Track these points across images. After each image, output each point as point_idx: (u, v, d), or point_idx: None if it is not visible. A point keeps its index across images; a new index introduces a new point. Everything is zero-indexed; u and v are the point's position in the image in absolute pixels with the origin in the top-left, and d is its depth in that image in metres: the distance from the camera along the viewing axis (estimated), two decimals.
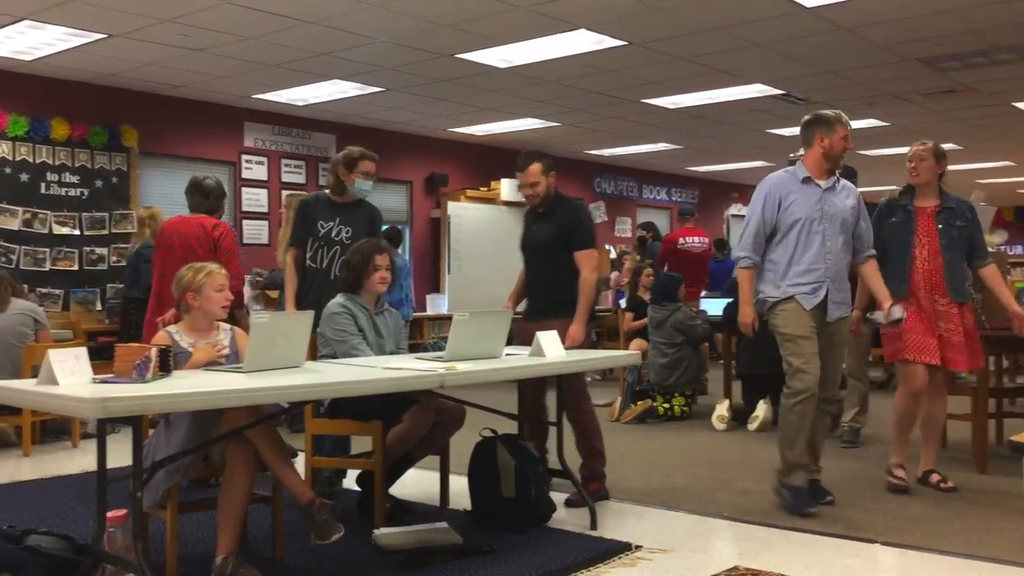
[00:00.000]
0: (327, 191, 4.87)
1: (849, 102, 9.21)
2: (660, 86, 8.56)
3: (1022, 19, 6.37)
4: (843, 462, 5.35)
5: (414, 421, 3.89)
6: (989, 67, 7.73)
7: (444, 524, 3.73)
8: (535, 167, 4.64)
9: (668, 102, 9.31)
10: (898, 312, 4.28)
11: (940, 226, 4.54)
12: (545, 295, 4.59)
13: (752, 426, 6.47)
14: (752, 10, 6.21)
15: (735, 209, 16.92)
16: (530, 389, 4.42)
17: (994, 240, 12.65)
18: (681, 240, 8.95)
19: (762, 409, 6.49)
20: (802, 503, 4.16)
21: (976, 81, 8.32)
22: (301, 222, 4.81)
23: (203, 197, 5.27)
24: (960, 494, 4.52)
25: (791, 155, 9.56)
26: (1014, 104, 9.27)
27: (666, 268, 8.73)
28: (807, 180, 4.29)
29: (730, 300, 7.38)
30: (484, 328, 3.89)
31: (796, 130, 11.25)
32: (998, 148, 12.37)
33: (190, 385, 2.91)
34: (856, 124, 10.25)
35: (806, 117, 4.43)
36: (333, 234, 4.69)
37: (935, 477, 4.66)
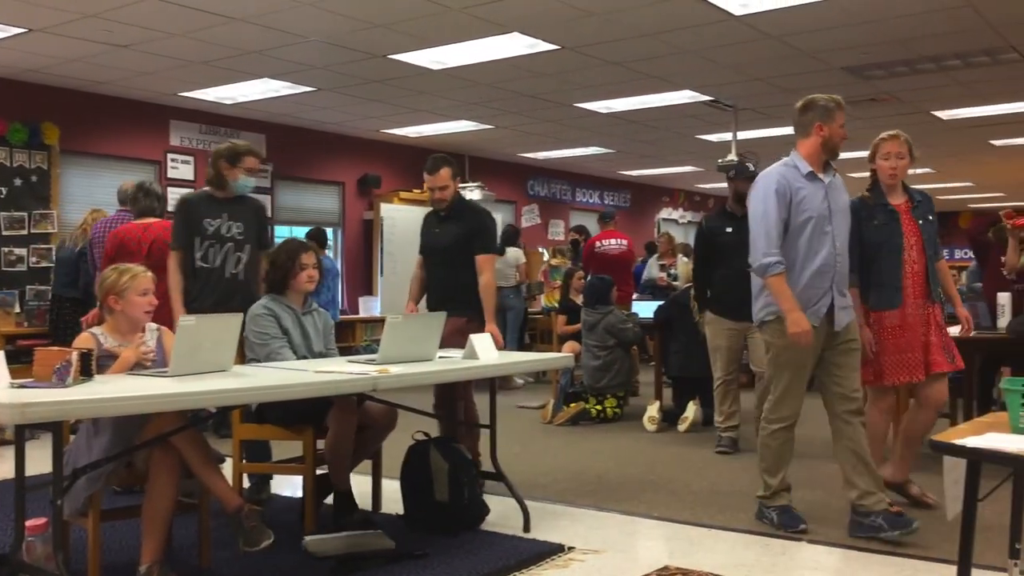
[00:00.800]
0: (207, 188, 4.68)
1: (776, 108, 9.42)
2: (593, 90, 8.63)
3: (941, 30, 6.59)
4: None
5: (337, 423, 3.81)
6: (910, 76, 7.98)
7: (377, 529, 3.69)
8: (445, 171, 4.67)
9: (601, 106, 9.39)
10: None
11: (920, 222, 4.24)
12: (449, 296, 4.65)
13: (682, 427, 6.56)
14: (682, 17, 6.30)
15: (665, 213, 17.17)
16: (446, 390, 4.46)
17: None
18: (598, 243, 9.03)
19: (691, 410, 6.59)
20: (792, 521, 3.92)
21: (898, 90, 8.58)
22: (184, 222, 4.57)
23: (156, 201, 5.34)
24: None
25: (719, 160, 9.80)
26: (933, 112, 9.58)
27: (590, 271, 8.80)
28: (811, 174, 3.83)
29: (661, 303, 7.49)
30: (417, 331, 3.87)
31: (725, 136, 11.41)
32: (919, 155, 12.77)
33: (112, 390, 2.83)
34: (782, 132, 10.53)
35: (800, 103, 3.95)
36: (223, 231, 4.52)
37: (915, 489, 4.37)
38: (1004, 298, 5.35)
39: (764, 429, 3.99)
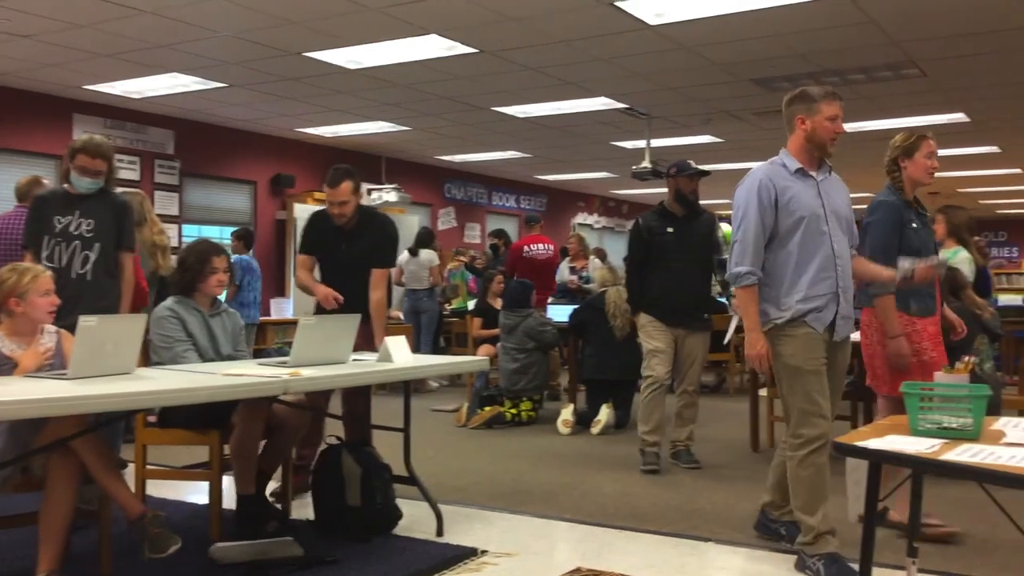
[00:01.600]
0: (65, 184, 4.42)
1: (688, 118, 9.62)
2: (510, 95, 8.67)
3: (846, 44, 6.82)
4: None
5: (243, 424, 3.68)
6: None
7: (288, 536, 3.62)
8: (346, 185, 4.46)
9: (518, 111, 9.44)
10: (907, 264, 3.58)
11: (932, 228, 4.08)
12: (360, 304, 4.48)
13: (595, 430, 6.62)
14: (599, 26, 6.37)
15: (581, 218, 17.35)
16: (353, 393, 4.40)
17: None
18: (526, 248, 9.07)
19: (604, 413, 6.66)
20: (844, 572, 3.27)
21: None
22: (34, 220, 4.31)
23: None
24: None
25: (634, 167, 9.95)
26: None
27: (515, 275, 8.81)
28: (800, 172, 3.51)
29: (576, 307, 7.55)
30: (330, 333, 3.81)
31: (639, 143, 11.54)
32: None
33: (6, 393, 2.70)
34: (694, 140, 10.76)
35: (788, 95, 3.68)
36: (71, 228, 4.28)
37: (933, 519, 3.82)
38: None
39: (791, 459, 3.42)
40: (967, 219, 5.67)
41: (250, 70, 7.74)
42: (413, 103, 9.08)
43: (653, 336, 5.36)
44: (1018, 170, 13.86)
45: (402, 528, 3.96)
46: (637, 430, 5.40)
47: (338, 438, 4.11)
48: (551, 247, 9.31)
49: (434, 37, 6.69)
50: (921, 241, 3.88)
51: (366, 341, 4.36)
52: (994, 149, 11.74)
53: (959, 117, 9.51)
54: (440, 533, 3.92)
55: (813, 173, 3.53)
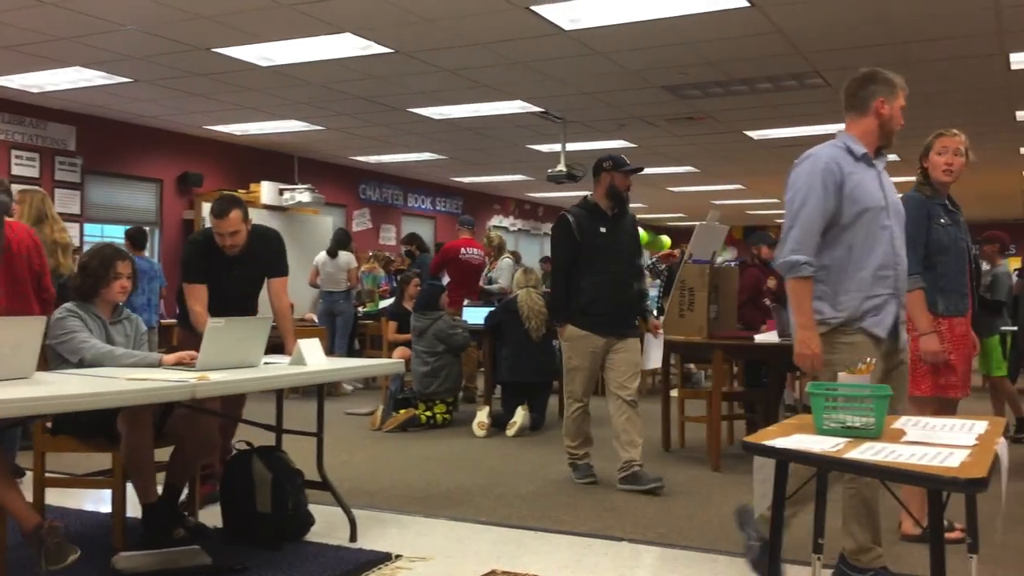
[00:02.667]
0: None
1: (603, 123, 9.74)
2: (427, 96, 8.63)
3: (754, 54, 7.00)
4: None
5: (127, 431, 3.48)
6: (725, 97, 8.44)
7: (195, 545, 3.52)
8: (235, 214, 4.24)
9: (434, 112, 9.40)
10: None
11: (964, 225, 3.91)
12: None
13: (510, 432, 6.64)
14: (515, 29, 6.40)
15: (497, 220, 17.39)
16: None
17: (726, 256, 13.75)
18: (463, 250, 9.02)
19: (520, 415, 6.68)
20: None
21: (713, 110, 9.05)
22: None
23: (8, 197, 4.87)
24: (697, 491, 4.86)
25: (549, 171, 10.02)
26: (745, 132, 10.18)
27: (445, 276, 8.75)
28: (865, 157, 3.17)
29: (492, 309, 7.56)
30: (240, 335, 3.71)
31: (555, 147, 11.56)
32: (731, 172, 13.51)
33: None
34: (608, 144, 10.90)
35: (858, 74, 3.26)
36: None
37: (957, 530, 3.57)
38: None
39: (848, 484, 3.13)
40: None
41: (157, 65, 7.52)
42: (327, 102, 8.96)
43: (576, 352, 4.95)
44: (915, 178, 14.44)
45: (314, 534, 3.89)
46: (563, 442, 5.19)
47: (248, 444, 4.02)
48: (482, 252, 9.30)
49: (349, 36, 6.62)
50: (951, 238, 3.79)
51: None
52: (894, 158, 12.19)
53: None
54: (353, 538, 3.87)
55: (876, 162, 3.23)
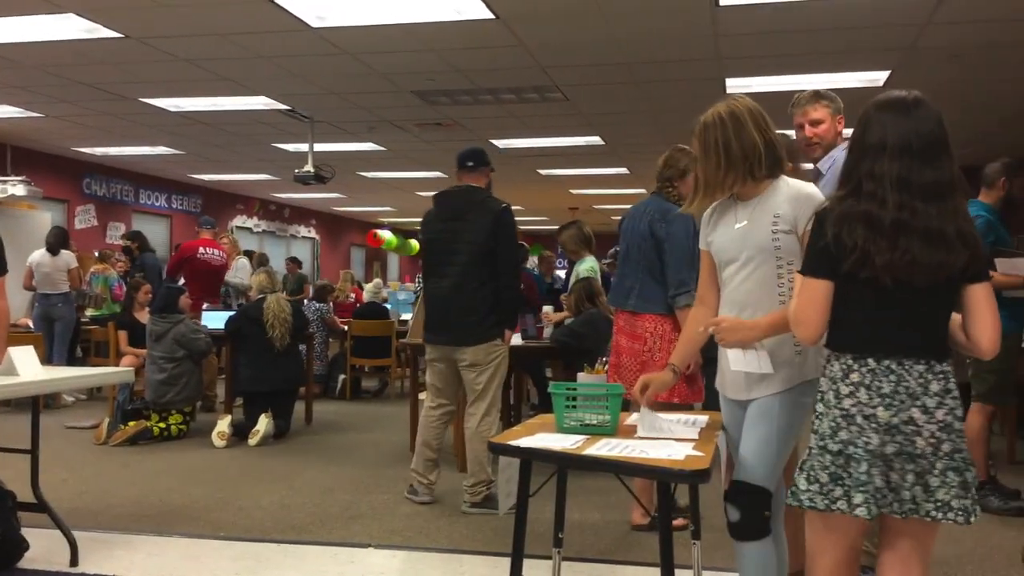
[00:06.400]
0: None
1: (352, 124, 9.63)
2: (160, 86, 8.11)
3: (499, 65, 7.20)
4: (315, 475, 5.51)
5: None
6: (472, 105, 8.62)
7: None
8: None
9: (169, 104, 8.85)
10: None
11: None
12: None
13: (253, 441, 6.38)
14: (259, 22, 6.16)
15: (240, 220, 16.71)
16: None
17: None
18: (202, 250, 8.53)
19: (263, 423, 6.44)
20: None
21: (462, 117, 9.22)
22: None
23: None
24: (444, 492, 4.91)
25: (296, 171, 9.76)
26: (491, 141, 10.46)
27: (181, 278, 8.25)
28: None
29: (232, 314, 7.22)
30: None
31: (302, 146, 11.32)
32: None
33: None
34: (358, 147, 10.81)
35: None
36: None
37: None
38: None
39: None
40: (577, 233, 6.66)
41: None
42: (46, 87, 8.17)
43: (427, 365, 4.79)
44: (643, 190, 15.54)
45: (29, 560, 3.54)
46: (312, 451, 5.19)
47: None
48: (224, 253, 8.85)
49: (72, 17, 6.07)
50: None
51: None
52: (624, 171, 13.04)
53: (596, 140, 10.45)
54: (75, 563, 3.55)
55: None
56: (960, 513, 2.03)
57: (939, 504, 2.03)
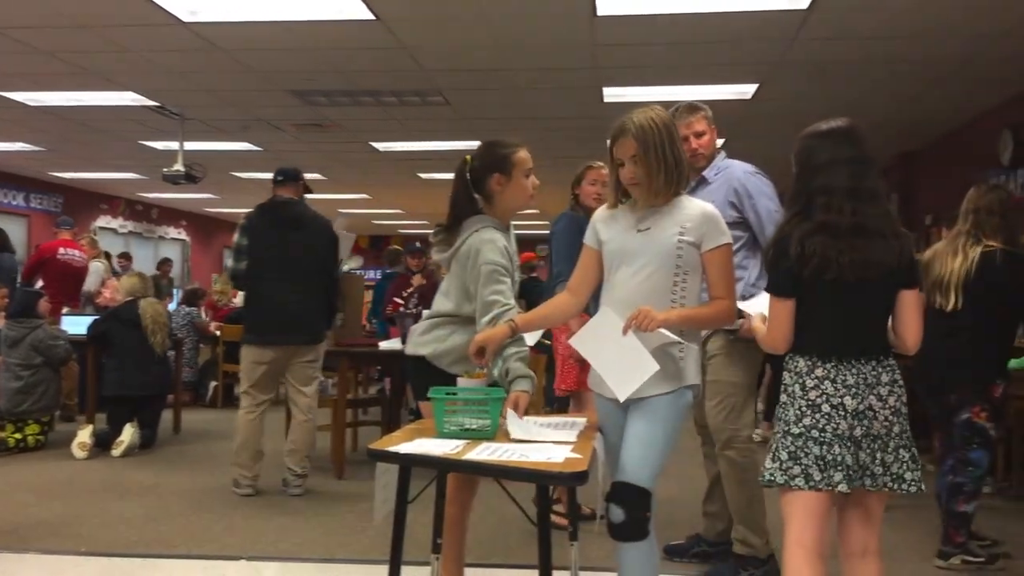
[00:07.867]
0: None
1: (226, 123, 9.35)
2: (16, 78, 7.65)
3: (379, 67, 7.12)
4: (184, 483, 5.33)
5: None
6: (352, 107, 8.49)
7: None
8: None
9: (26, 97, 8.36)
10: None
11: None
12: None
13: (116, 451, 6.10)
14: (124, 13, 5.89)
15: (104, 221, 15.97)
16: None
17: (352, 264, 13.90)
18: (62, 250, 8.07)
19: (128, 433, 6.17)
20: None
21: (341, 118, 9.07)
22: None
23: None
24: (319, 500, 4.82)
25: (165, 170, 9.40)
26: (371, 143, 10.33)
27: (39, 281, 7.79)
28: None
29: (96, 318, 6.89)
30: None
31: (172, 145, 10.97)
32: (357, 182, 13.66)
33: None
34: (231, 146, 10.50)
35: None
36: None
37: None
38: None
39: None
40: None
41: None
42: None
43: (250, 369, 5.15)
44: None
45: None
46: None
47: None
48: (85, 255, 8.42)
49: None
50: None
51: None
52: None
53: (477, 145, 10.45)
54: None
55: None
56: (912, 484, 2.39)
57: (894, 476, 2.39)
